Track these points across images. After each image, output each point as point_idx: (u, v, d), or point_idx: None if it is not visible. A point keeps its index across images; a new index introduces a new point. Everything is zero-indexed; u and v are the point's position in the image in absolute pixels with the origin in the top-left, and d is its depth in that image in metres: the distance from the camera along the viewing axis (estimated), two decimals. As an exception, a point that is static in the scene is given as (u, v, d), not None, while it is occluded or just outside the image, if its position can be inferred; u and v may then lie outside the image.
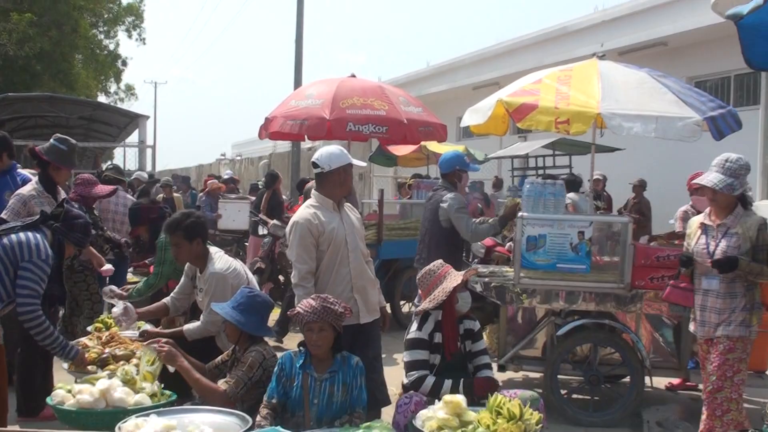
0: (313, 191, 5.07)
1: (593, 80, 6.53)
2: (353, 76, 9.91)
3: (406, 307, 9.66)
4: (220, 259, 5.28)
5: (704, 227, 4.84)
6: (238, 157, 39.65)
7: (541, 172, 14.93)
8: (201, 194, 15.81)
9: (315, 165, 4.97)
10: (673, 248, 6.16)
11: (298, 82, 20.37)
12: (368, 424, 4.11)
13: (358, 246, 5.02)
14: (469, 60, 26.60)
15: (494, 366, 6.25)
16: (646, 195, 13.99)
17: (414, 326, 4.90)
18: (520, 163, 16.74)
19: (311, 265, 4.84)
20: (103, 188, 7.40)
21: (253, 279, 5.49)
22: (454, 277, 4.81)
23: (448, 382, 4.60)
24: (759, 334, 4.79)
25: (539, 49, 21.69)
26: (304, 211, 4.95)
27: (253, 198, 13.72)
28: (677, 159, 13.35)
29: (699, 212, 7.39)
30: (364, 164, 5.89)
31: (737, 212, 4.72)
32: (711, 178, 4.67)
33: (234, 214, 13.89)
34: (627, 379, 6.20)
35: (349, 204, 5.23)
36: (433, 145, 15.12)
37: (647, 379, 6.07)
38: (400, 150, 16.05)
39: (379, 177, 20.37)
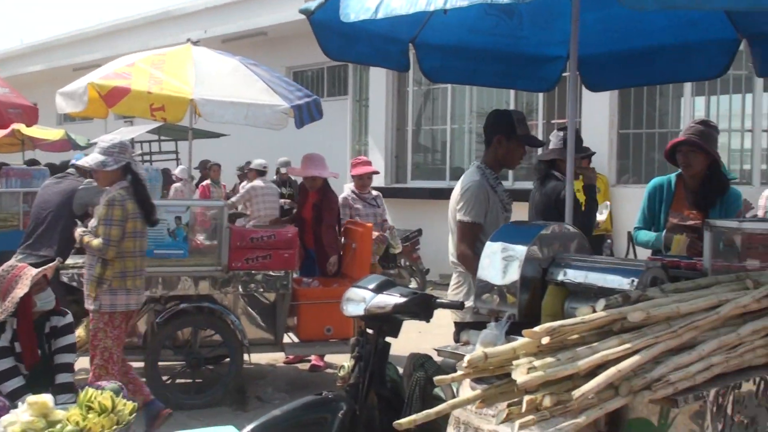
0: None
1: (186, 66, 6.58)
2: None
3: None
4: None
5: None
6: None
7: (147, 158, 14.68)
8: None
9: None
10: (266, 230, 6.47)
11: None
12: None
13: None
14: (68, 39, 25.09)
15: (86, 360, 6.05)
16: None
17: None
18: (126, 148, 16.23)
19: None
20: None
21: None
22: (24, 284, 4.42)
23: None
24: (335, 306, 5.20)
25: (143, 31, 21.19)
26: None
27: None
28: (276, 144, 13.95)
29: (358, 194, 7.64)
30: None
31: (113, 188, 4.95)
32: (89, 159, 4.98)
33: None
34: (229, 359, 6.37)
35: None
36: (30, 129, 13.99)
37: (247, 357, 6.30)
38: (-11, 134, 14.57)
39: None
